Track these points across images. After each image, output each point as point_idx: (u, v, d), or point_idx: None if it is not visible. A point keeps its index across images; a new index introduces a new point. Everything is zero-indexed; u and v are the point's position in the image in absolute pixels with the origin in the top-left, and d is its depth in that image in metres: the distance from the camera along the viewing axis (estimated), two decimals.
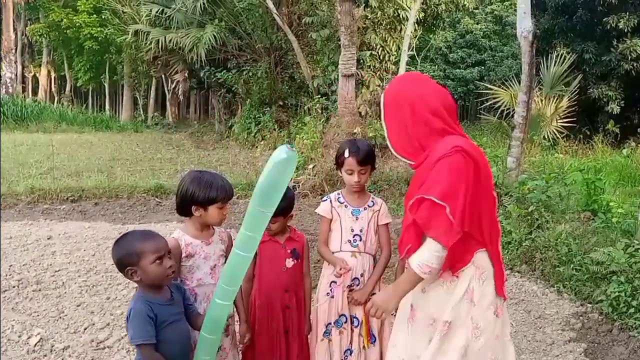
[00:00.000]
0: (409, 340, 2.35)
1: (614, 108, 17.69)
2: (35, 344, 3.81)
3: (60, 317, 4.36)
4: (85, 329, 4.15)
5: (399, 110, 2.25)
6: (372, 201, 2.99)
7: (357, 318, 2.90)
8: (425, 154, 2.22)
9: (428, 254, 2.12)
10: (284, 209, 2.71)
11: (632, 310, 4.33)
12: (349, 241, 2.91)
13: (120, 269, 2.26)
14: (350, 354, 2.90)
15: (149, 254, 2.22)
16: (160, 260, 2.23)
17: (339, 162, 2.91)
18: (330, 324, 2.91)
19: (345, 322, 2.90)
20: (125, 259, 2.22)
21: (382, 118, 2.31)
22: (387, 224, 3.01)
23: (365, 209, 2.95)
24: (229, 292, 2.26)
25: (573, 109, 14.58)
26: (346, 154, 2.85)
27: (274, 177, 2.15)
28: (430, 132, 2.22)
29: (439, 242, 2.09)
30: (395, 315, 2.48)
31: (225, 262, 2.75)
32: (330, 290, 2.92)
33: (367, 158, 2.85)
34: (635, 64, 17.36)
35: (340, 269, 2.84)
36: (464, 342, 2.21)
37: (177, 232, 2.62)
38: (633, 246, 4.98)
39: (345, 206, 2.95)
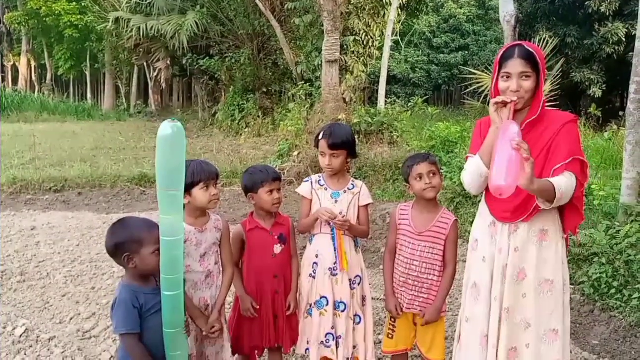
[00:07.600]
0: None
1: (596, 92, 17.85)
2: (21, 335, 3.79)
3: (46, 308, 4.35)
4: (71, 319, 4.14)
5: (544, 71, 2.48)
6: (352, 184, 3.01)
7: (343, 302, 2.90)
8: (533, 108, 2.44)
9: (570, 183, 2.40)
10: None
11: (613, 291, 4.41)
12: (328, 223, 2.92)
13: (114, 254, 2.23)
14: (334, 339, 2.89)
15: (151, 243, 2.21)
16: (159, 251, 2.22)
17: (316, 144, 2.98)
18: (311, 305, 2.93)
19: (327, 304, 2.89)
20: (126, 244, 2.20)
21: (541, 70, 2.43)
22: (367, 205, 3.02)
23: (345, 192, 2.97)
24: (172, 281, 2.22)
25: (555, 92, 14.58)
26: (320, 135, 2.92)
27: (166, 155, 2.13)
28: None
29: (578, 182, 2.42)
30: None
31: (218, 250, 2.75)
32: (313, 271, 2.95)
33: (338, 142, 2.87)
34: (616, 48, 17.50)
35: (329, 214, 2.83)
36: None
37: None
38: (614, 228, 5.06)
39: (325, 189, 2.97)
